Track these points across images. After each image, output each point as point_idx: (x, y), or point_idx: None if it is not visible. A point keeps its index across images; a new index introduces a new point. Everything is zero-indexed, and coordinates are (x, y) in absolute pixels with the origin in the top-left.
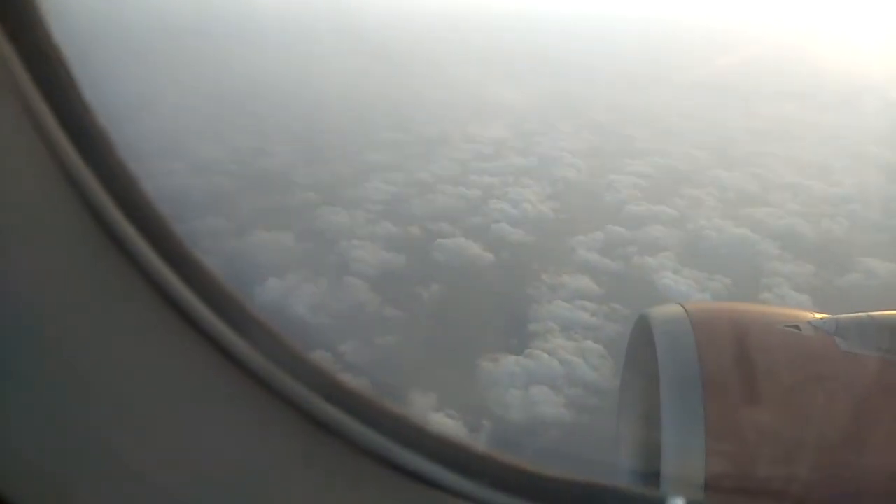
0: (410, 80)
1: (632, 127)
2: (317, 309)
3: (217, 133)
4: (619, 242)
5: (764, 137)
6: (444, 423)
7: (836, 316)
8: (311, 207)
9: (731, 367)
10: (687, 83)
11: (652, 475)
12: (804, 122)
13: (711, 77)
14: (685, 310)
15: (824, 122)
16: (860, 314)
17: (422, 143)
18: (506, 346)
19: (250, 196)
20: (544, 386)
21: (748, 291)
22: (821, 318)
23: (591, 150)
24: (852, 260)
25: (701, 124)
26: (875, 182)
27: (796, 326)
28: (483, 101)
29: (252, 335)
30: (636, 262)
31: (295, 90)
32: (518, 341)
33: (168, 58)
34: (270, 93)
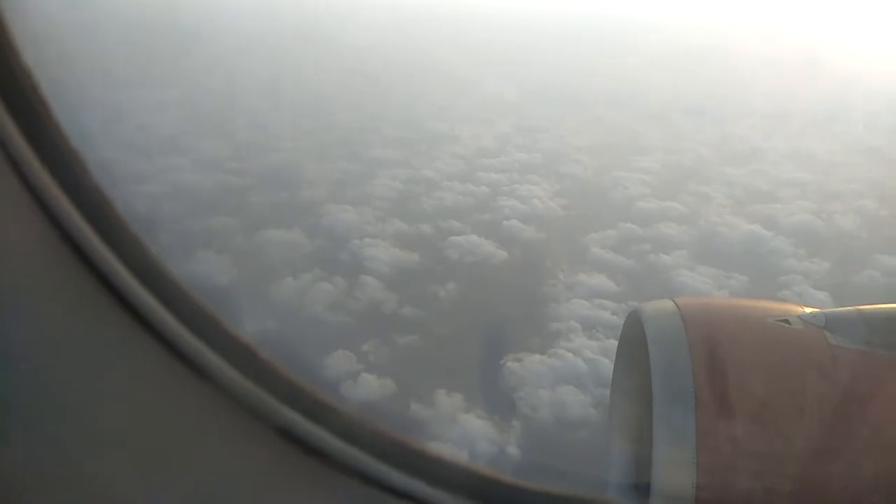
0: (409, 77)
1: (632, 123)
2: (335, 308)
3: (219, 129)
4: (633, 240)
5: (763, 133)
6: (474, 423)
7: (825, 310)
8: (320, 205)
9: (724, 374)
10: (681, 79)
11: (642, 487)
12: (801, 119)
13: (706, 73)
14: (677, 306)
15: (820, 118)
16: (849, 308)
17: (425, 140)
18: (529, 345)
19: (257, 193)
20: (571, 386)
21: (766, 289)
22: (811, 312)
23: (595, 146)
24: (868, 256)
25: (700, 120)
26: (881, 177)
27: (786, 321)
28: (482, 97)
29: (225, 350)
30: (651, 259)
31: (295, 87)
32: (541, 340)
33: (170, 56)
34: (271, 90)
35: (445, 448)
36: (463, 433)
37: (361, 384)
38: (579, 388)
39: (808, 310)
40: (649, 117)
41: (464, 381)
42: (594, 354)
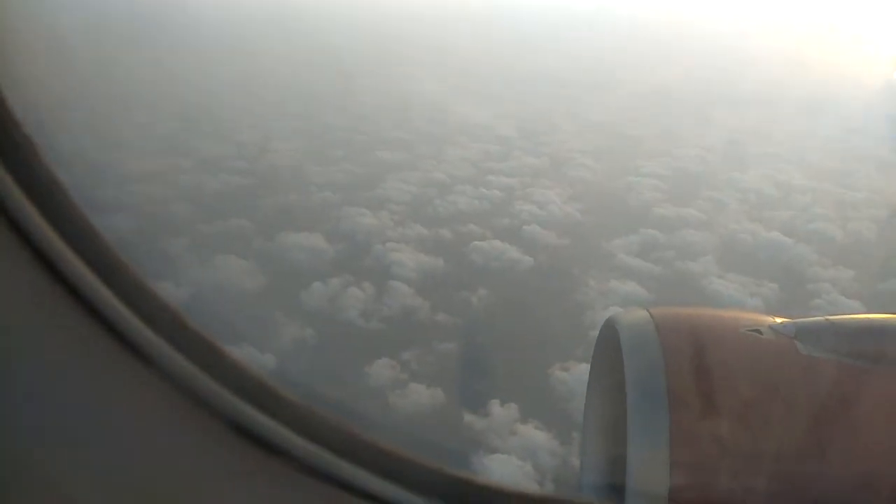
0: (399, 78)
1: (632, 127)
2: (368, 314)
3: (215, 129)
4: (657, 246)
5: (763, 139)
6: (534, 435)
7: (795, 320)
8: (334, 208)
9: (697, 376)
10: (672, 83)
11: (616, 488)
12: (794, 125)
13: (695, 77)
14: (651, 316)
15: (814, 123)
16: (819, 318)
17: (426, 142)
18: (573, 353)
19: (267, 195)
20: None
21: (798, 297)
22: (781, 322)
23: (599, 150)
24: (890, 264)
25: (698, 125)
26: (889, 185)
27: (758, 330)
28: (476, 99)
29: (188, 348)
30: (679, 266)
31: (282, 87)
32: (584, 349)
33: (164, 54)
34: (259, 89)
35: (508, 459)
36: (524, 445)
37: (411, 394)
38: None
39: (778, 320)
40: (644, 121)
41: (514, 390)
42: None
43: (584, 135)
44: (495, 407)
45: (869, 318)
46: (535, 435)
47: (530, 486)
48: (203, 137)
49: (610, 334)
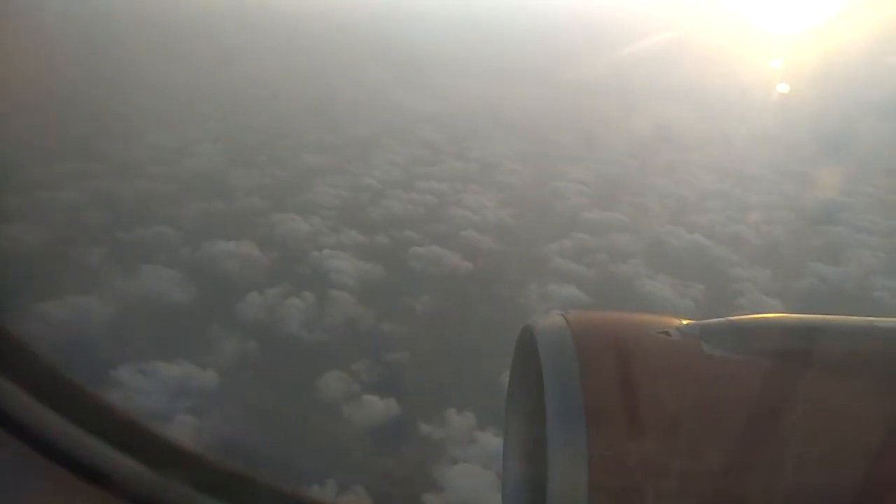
0: (318, 80)
1: (553, 132)
2: (311, 325)
3: (128, 131)
4: (588, 250)
5: (676, 143)
6: (493, 442)
7: (699, 321)
8: (263, 214)
9: (613, 380)
10: (586, 83)
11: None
12: (703, 127)
13: (608, 76)
14: (566, 320)
15: (720, 127)
16: (721, 319)
17: (352, 146)
18: None
19: (190, 201)
20: None
21: (723, 297)
22: (687, 324)
23: (525, 155)
24: (802, 265)
25: (615, 130)
26: (792, 189)
27: (667, 332)
28: (398, 101)
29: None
30: (612, 269)
31: (198, 88)
32: None
33: (72, 49)
34: (173, 89)
35: (471, 469)
36: (485, 453)
37: (366, 406)
38: None
39: (684, 322)
40: (563, 125)
41: (468, 397)
42: None
43: (507, 139)
44: (452, 415)
45: (771, 318)
46: (495, 442)
47: (496, 497)
48: (114, 140)
49: (527, 342)
